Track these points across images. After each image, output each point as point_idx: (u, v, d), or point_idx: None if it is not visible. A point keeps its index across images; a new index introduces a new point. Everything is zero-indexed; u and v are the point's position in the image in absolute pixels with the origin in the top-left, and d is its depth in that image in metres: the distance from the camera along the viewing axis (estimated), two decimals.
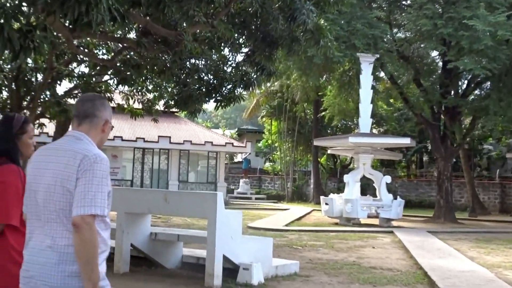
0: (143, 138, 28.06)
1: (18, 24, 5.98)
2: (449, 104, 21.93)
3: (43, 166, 2.65)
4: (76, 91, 13.26)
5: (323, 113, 29.49)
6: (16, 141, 3.39)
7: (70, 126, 2.81)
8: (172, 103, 12.73)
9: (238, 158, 46.25)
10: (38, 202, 2.62)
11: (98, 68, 12.42)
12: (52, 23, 6.26)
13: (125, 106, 14.11)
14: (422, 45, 23.10)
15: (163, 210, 8.86)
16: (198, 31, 9.22)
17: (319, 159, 35.46)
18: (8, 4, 6.03)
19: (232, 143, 31.05)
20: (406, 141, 21.47)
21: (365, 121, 20.13)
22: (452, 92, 23.36)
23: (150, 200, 8.31)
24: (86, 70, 13.66)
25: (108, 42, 11.91)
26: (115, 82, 12.35)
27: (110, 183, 2.64)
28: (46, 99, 12.67)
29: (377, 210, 19.16)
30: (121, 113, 15.18)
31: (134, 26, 9.71)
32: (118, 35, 10.64)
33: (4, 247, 3.20)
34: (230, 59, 11.87)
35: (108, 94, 13.17)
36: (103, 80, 13.70)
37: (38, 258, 2.57)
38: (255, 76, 11.40)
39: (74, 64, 13.41)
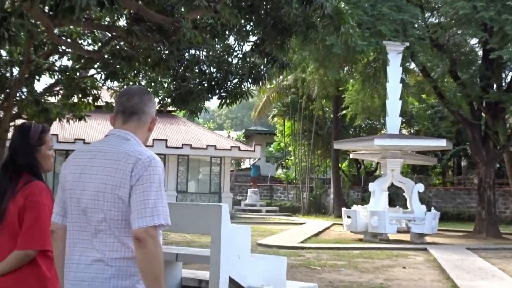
0: None
1: None
2: (491, 100, 21.82)
3: (87, 171, 2.65)
4: (57, 88, 13.30)
5: (345, 111, 29.46)
6: (35, 153, 3.41)
7: (113, 124, 2.80)
8: (169, 100, 12.71)
9: (246, 164, 46.32)
10: (82, 211, 2.64)
11: (83, 61, 12.43)
12: (29, 9, 6.27)
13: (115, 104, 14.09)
14: (459, 32, 23.04)
15: None
16: (198, 17, 9.22)
17: (339, 165, 35.43)
18: None
19: (239, 147, 31.10)
20: (441, 143, 21.42)
21: (393, 120, 20.09)
22: (495, 85, 23.26)
23: None
24: (69, 63, 13.70)
25: (95, 30, 11.94)
26: (103, 76, 12.34)
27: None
28: (23, 97, 12.71)
29: (408, 224, 19.10)
30: (109, 113, 15.12)
31: (125, 12, 9.72)
32: (106, 23, 10.65)
33: (38, 278, 3.21)
34: (236, 49, 11.87)
35: (95, 91, 13.19)
36: (88, 74, 13.74)
37: (85, 274, 2.59)
38: (265, 68, 11.39)
39: (55, 57, 13.45)
